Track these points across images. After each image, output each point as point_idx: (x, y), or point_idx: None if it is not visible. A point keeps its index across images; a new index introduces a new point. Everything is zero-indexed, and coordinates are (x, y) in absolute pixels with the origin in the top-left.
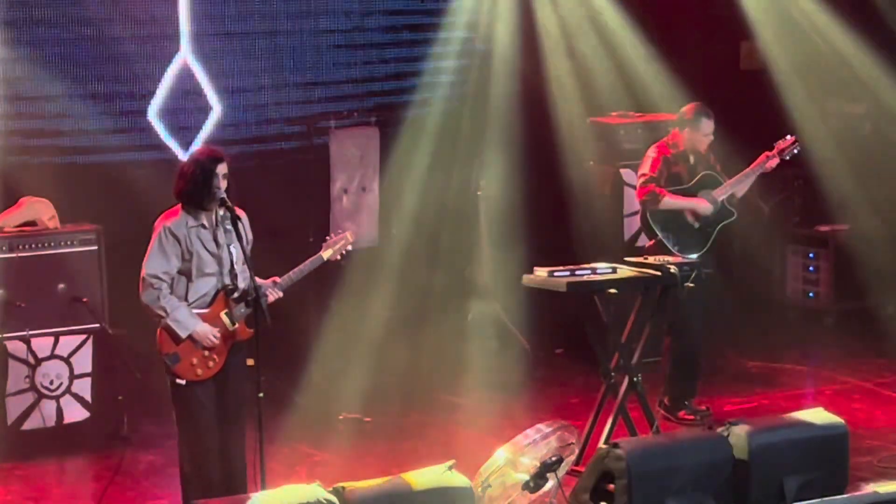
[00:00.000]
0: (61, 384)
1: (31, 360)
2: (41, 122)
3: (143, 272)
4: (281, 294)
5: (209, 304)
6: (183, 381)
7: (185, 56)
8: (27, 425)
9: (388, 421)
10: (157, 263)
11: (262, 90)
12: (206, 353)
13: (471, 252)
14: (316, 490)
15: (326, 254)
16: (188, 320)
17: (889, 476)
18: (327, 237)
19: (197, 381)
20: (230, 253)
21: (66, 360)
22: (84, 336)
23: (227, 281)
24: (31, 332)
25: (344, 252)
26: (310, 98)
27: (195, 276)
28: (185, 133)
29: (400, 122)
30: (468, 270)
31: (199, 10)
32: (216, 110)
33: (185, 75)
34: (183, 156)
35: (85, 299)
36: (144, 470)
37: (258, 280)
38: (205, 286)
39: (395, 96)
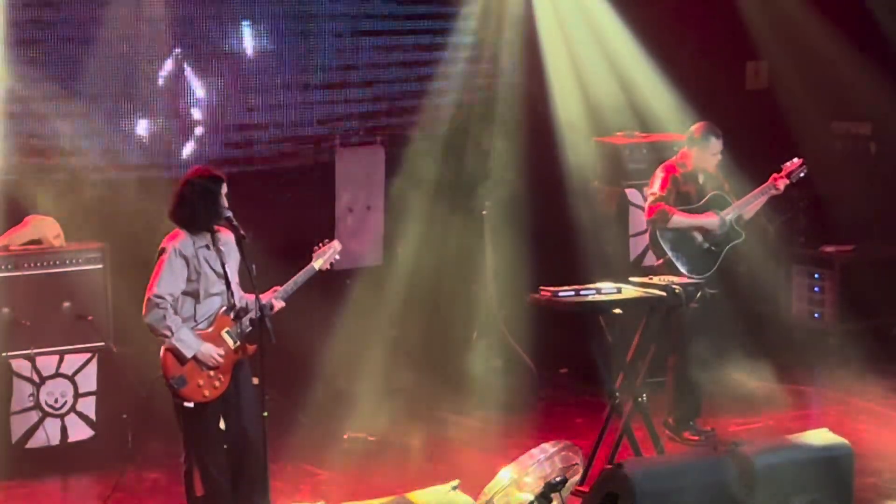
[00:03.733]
0: (66, 402)
1: (36, 378)
2: (47, 140)
3: (150, 293)
4: (283, 304)
5: (211, 324)
6: (191, 404)
7: (192, 75)
8: (32, 443)
9: (392, 440)
10: (165, 285)
11: (267, 109)
12: (212, 373)
13: (476, 271)
14: None
15: (318, 263)
16: (192, 340)
17: (894, 497)
18: (315, 248)
19: (205, 402)
20: (226, 270)
21: (71, 379)
22: (89, 354)
23: (227, 300)
24: (35, 351)
25: (333, 261)
26: (315, 117)
27: (202, 296)
28: (190, 152)
29: (405, 141)
30: (473, 290)
31: (203, 29)
32: (221, 130)
33: (191, 94)
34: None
35: (90, 317)
36: (149, 488)
37: (245, 294)
38: (212, 306)
39: (401, 116)
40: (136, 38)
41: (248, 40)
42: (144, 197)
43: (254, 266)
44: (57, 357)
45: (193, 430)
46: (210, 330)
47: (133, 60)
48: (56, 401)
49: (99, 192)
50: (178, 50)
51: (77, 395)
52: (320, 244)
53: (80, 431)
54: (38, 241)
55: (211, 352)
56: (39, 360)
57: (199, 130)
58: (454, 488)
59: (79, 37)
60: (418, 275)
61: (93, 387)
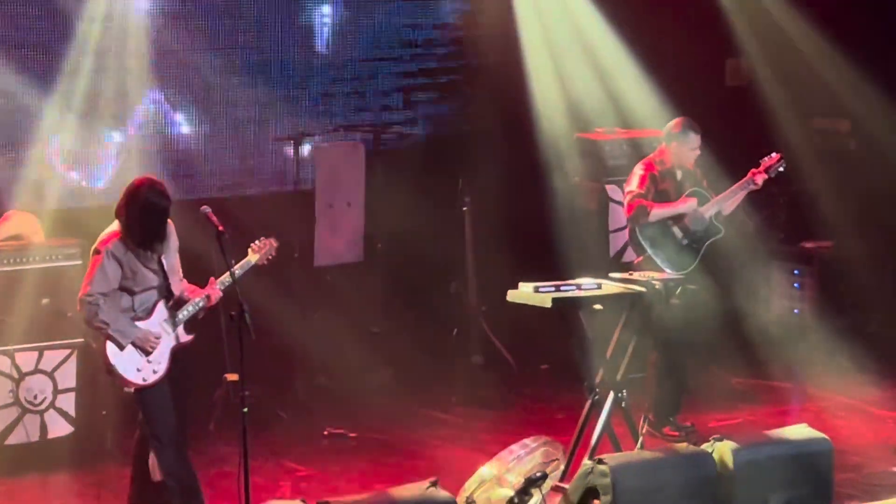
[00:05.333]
0: (45, 399)
1: (15, 374)
2: (27, 137)
3: (83, 293)
4: (220, 293)
5: (149, 313)
6: (131, 389)
7: (173, 70)
8: (11, 440)
9: (372, 437)
10: (97, 286)
11: (248, 105)
12: (150, 358)
13: (456, 268)
14: None
15: (254, 258)
16: (128, 329)
17: (873, 493)
18: (253, 243)
19: (145, 386)
20: (162, 264)
21: (50, 375)
22: (68, 350)
23: (165, 291)
24: (14, 347)
25: (270, 257)
26: (295, 114)
27: (138, 291)
28: (170, 146)
29: (385, 137)
30: (453, 286)
31: (188, 25)
32: (202, 125)
33: (172, 89)
34: (168, 170)
35: (69, 314)
36: (129, 485)
37: (188, 286)
38: (148, 299)
39: (381, 112)
40: (116, 45)
41: (228, 34)
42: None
43: (234, 261)
44: (36, 353)
45: (145, 415)
46: (149, 318)
47: (113, 61)
48: (35, 397)
49: (79, 189)
50: (157, 47)
51: (56, 392)
52: (258, 240)
53: (59, 428)
54: (17, 237)
55: (148, 337)
56: (18, 356)
57: (179, 125)
58: (433, 484)
59: (61, 35)
60: (398, 271)
61: (72, 383)
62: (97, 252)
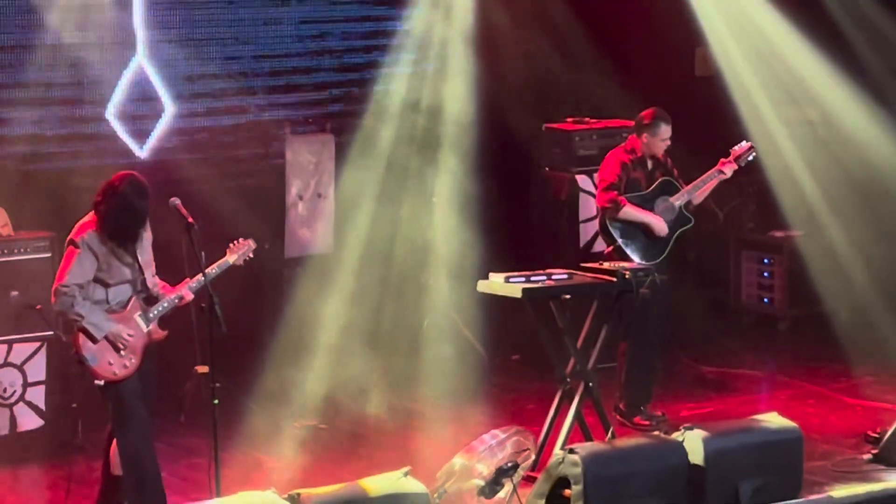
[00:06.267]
0: (15, 392)
1: None
2: None
3: (58, 283)
4: (192, 296)
5: (124, 307)
6: (101, 382)
7: (141, 63)
8: None
9: (343, 428)
10: (73, 276)
11: (217, 96)
12: (122, 353)
13: (426, 258)
14: (271, 497)
15: (232, 258)
16: (102, 323)
17: (843, 480)
18: (231, 244)
19: (115, 380)
20: (137, 258)
21: (20, 368)
22: (38, 344)
23: (139, 286)
24: None
25: (247, 258)
26: (265, 105)
27: (113, 284)
28: (140, 140)
29: (355, 128)
30: (423, 277)
31: (153, 17)
32: (171, 117)
33: (141, 83)
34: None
35: (38, 307)
36: (99, 478)
37: (161, 282)
38: (122, 293)
39: (351, 103)
40: (87, 27)
41: (199, 27)
42: (94, 186)
43: (203, 254)
44: (5, 346)
45: (114, 409)
46: (123, 313)
47: (83, 48)
48: (5, 390)
49: (48, 181)
50: (128, 38)
51: (26, 385)
52: (236, 241)
53: (29, 421)
54: None
55: (122, 332)
56: None
57: (149, 119)
58: (405, 475)
59: (30, 23)
60: (369, 262)
61: (42, 376)
62: (73, 243)
